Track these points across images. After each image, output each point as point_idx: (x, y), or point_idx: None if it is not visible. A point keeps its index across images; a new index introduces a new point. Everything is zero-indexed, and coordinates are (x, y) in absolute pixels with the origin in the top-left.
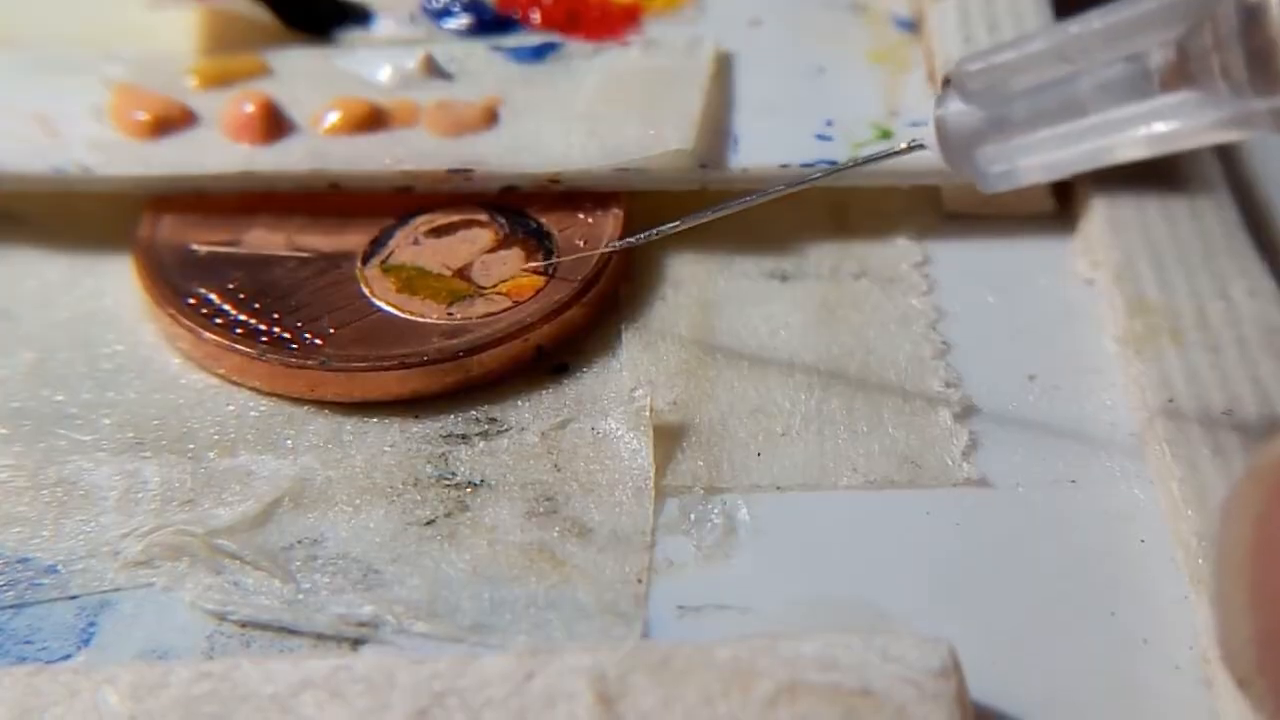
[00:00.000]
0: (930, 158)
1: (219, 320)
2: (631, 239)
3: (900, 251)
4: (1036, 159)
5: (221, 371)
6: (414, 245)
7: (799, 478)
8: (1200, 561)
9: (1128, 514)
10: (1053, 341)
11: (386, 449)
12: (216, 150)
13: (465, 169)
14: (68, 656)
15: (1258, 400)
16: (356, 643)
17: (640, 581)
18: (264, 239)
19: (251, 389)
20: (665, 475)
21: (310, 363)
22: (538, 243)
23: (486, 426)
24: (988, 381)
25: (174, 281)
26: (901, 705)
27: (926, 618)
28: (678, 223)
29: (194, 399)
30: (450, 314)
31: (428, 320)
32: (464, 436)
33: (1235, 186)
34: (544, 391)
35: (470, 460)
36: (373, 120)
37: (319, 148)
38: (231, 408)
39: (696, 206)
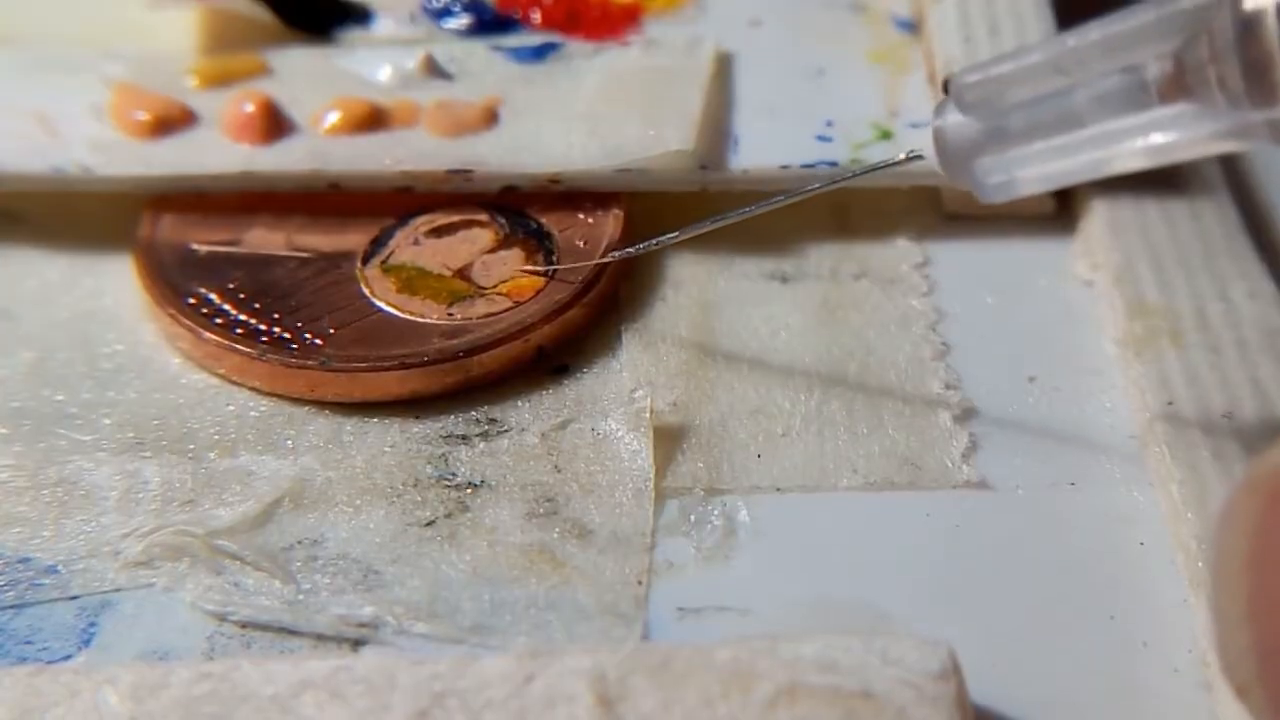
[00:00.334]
0: (927, 161)
1: (219, 320)
2: (630, 249)
3: (900, 252)
4: (1034, 170)
5: (222, 371)
6: (414, 245)
7: (799, 479)
8: (1200, 564)
9: (1127, 516)
10: (1052, 343)
11: (387, 449)
12: (216, 150)
13: (465, 169)
14: (68, 657)
15: (1258, 402)
16: (357, 643)
17: (640, 583)
18: (264, 239)
19: (252, 389)
20: (665, 476)
21: (310, 363)
22: (538, 243)
23: (487, 427)
24: (988, 383)
25: (174, 281)
26: (901, 707)
27: (926, 620)
28: (677, 233)
29: (194, 399)
30: (450, 314)
31: (428, 320)
32: (464, 437)
33: (1235, 188)
34: (544, 392)
35: (470, 461)
36: (373, 120)
37: (319, 148)
38: (232, 408)
39: (697, 207)
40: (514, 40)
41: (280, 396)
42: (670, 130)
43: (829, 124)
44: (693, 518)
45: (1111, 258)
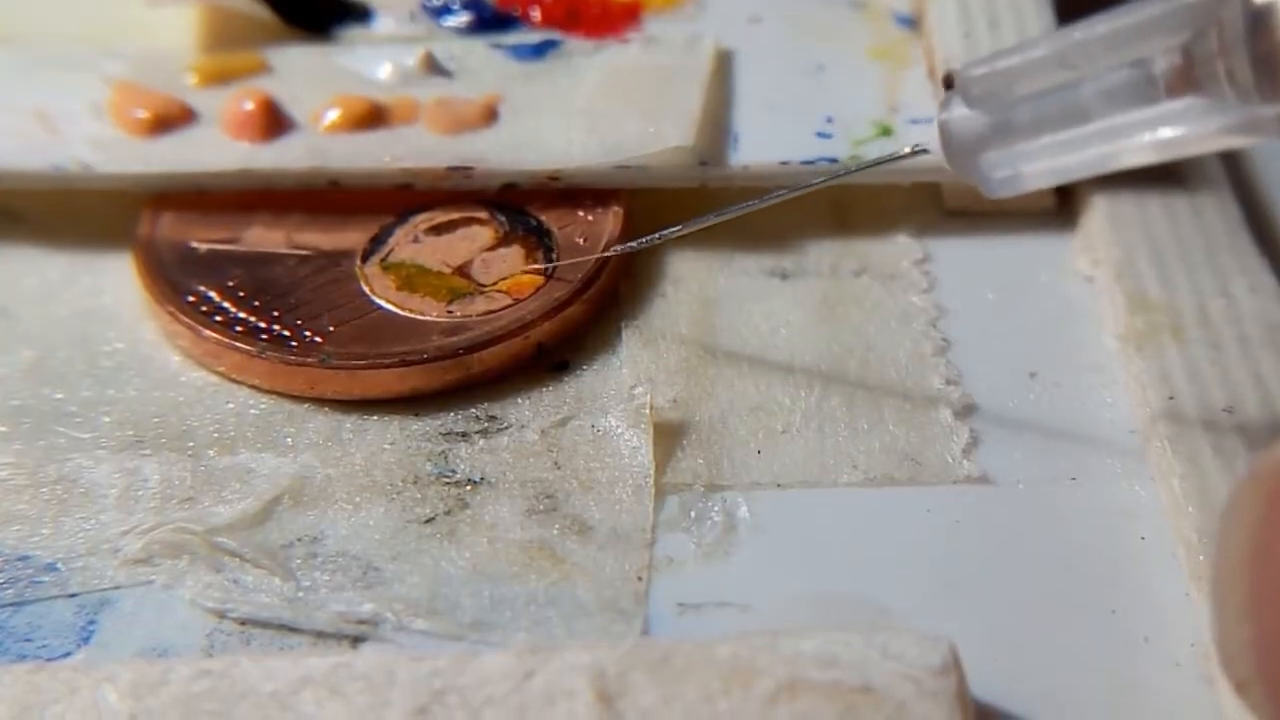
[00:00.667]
0: (932, 156)
1: (219, 318)
2: (632, 244)
3: (901, 248)
4: (1040, 164)
5: (221, 369)
6: (414, 243)
7: (799, 475)
8: (1201, 559)
9: (1129, 511)
10: (1053, 339)
11: (386, 446)
12: (216, 148)
13: (465, 166)
14: (68, 654)
15: (1259, 397)
16: (356, 640)
17: (640, 579)
18: (264, 236)
19: (251, 387)
20: (665, 472)
21: (310, 360)
22: (538, 240)
23: (486, 424)
24: (988, 378)
25: (174, 279)
26: (902, 702)
27: (927, 615)
28: (678, 227)
29: (194, 396)
30: (450, 311)
31: (428, 318)
32: (464, 434)
33: (1237, 183)
34: (544, 389)
35: (470, 458)
36: (372, 118)
37: (319, 145)
38: (231, 405)
39: (697, 204)
40: (514, 38)
41: (280, 394)
42: (670, 127)
43: (829, 120)
44: (693, 514)
45: (1112, 253)
